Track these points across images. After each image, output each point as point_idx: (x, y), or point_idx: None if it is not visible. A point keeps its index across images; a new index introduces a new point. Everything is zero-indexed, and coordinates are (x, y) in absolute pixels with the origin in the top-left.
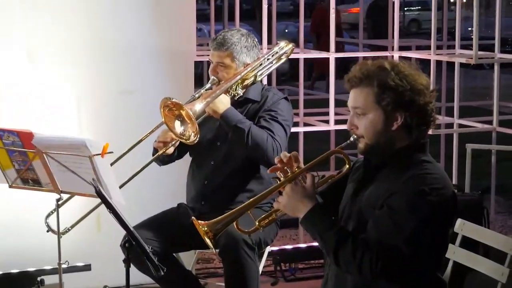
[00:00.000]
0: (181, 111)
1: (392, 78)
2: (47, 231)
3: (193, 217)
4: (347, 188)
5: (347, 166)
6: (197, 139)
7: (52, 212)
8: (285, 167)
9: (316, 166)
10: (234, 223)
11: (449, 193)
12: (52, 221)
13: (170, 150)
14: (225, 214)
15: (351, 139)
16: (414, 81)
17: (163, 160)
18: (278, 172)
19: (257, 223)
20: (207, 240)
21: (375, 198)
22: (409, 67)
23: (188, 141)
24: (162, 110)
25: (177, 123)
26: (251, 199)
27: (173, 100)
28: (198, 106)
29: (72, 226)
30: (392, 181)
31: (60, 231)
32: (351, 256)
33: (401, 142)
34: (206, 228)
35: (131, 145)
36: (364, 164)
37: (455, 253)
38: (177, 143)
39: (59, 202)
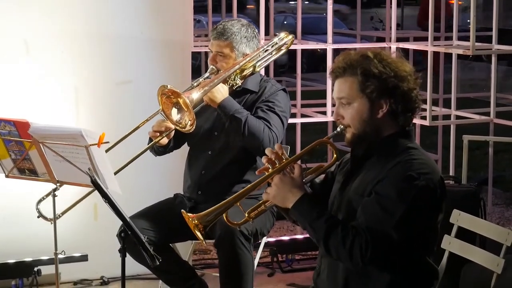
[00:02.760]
0: (179, 98)
1: (375, 65)
2: (38, 217)
3: (182, 210)
4: (336, 181)
5: (335, 155)
6: (193, 128)
7: (43, 198)
8: (273, 159)
9: (304, 156)
10: (224, 215)
11: (437, 178)
12: (44, 207)
13: (164, 140)
14: (214, 206)
15: (338, 129)
16: (397, 68)
17: (158, 151)
18: (267, 163)
19: (246, 215)
20: (197, 233)
21: (363, 186)
22: (392, 55)
23: (184, 129)
24: (159, 97)
25: (174, 111)
26: (239, 191)
27: (170, 87)
28: (196, 94)
29: (63, 213)
30: (379, 169)
31: (51, 217)
32: (341, 244)
33: (388, 130)
34: (196, 221)
35: (127, 133)
36: (351, 156)
37: (451, 244)
38: (172, 133)
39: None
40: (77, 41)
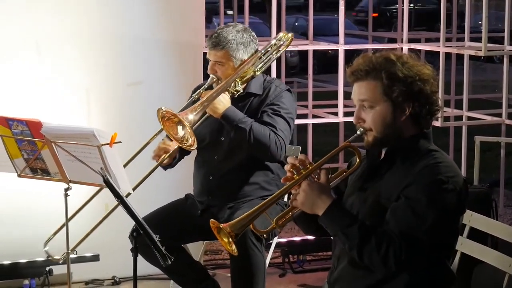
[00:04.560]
0: (178, 118)
1: (399, 69)
2: (47, 257)
3: (212, 220)
4: (351, 182)
5: (358, 160)
6: (195, 146)
7: (50, 238)
8: (298, 165)
9: (328, 161)
10: (251, 225)
11: (461, 180)
12: (51, 246)
13: (166, 160)
14: (243, 215)
15: (358, 132)
16: (419, 72)
17: (165, 167)
18: (290, 170)
19: (273, 222)
20: (230, 246)
21: (390, 190)
22: (413, 58)
23: (188, 147)
24: (160, 120)
25: (179, 129)
26: (267, 199)
27: (165, 109)
28: (193, 114)
29: (73, 249)
30: (405, 172)
31: (58, 257)
32: (375, 250)
33: (408, 133)
34: (228, 229)
35: (140, 144)
36: (368, 157)
37: (463, 245)
38: (175, 152)
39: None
40: (89, 42)
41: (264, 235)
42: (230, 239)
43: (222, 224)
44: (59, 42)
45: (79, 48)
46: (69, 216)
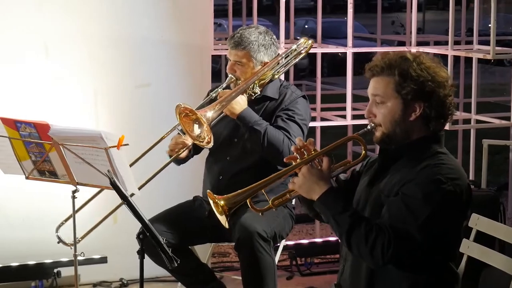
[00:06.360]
0: (197, 115)
1: (413, 68)
2: (58, 243)
3: (208, 190)
4: (361, 181)
5: (363, 152)
6: (212, 144)
7: (63, 223)
8: (302, 150)
9: (333, 150)
10: (248, 201)
11: (464, 184)
12: (63, 232)
13: (184, 153)
14: (240, 190)
15: (368, 127)
16: (434, 73)
17: (179, 161)
18: (295, 153)
19: (270, 202)
20: (222, 216)
21: (390, 187)
22: (430, 60)
23: (203, 144)
24: (178, 116)
25: (195, 127)
26: (266, 178)
27: (184, 105)
28: (211, 112)
29: (83, 237)
30: (407, 170)
31: (69, 242)
32: (363, 239)
33: (418, 134)
34: (222, 202)
35: (148, 146)
36: (379, 156)
37: (469, 248)
38: (191, 145)
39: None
40: (97, 44)
41: (268, 234)
42: (223, 213)
43: (217, 196)
44: (67, 43)
45: (87, 50)
46: (76, 208)
